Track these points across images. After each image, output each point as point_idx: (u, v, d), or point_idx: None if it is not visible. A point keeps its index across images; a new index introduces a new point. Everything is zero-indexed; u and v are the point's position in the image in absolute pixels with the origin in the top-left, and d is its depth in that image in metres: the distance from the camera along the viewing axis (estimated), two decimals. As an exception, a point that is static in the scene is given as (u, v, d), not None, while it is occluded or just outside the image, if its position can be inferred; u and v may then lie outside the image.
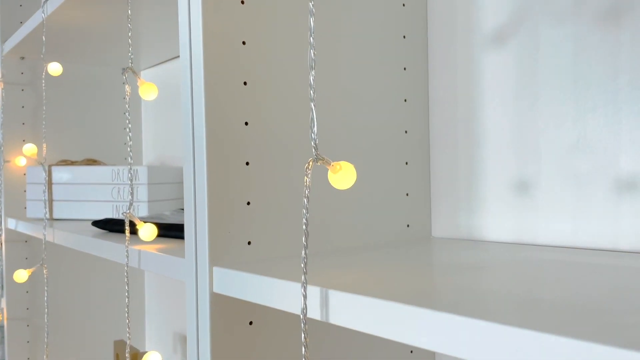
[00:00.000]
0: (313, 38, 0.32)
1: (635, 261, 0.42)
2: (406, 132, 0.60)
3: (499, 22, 0.57)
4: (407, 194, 0.60)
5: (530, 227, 0.54)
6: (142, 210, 0.90)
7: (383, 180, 0.57)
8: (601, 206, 0.49)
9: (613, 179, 0.49)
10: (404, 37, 0.60)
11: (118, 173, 0.93)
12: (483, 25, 0.58)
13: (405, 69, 0.60)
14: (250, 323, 0.46)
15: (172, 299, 1.18)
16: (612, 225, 0.49)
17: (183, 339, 1.15)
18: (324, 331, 0.52)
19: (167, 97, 1.20)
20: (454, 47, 0.61)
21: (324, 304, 0.34)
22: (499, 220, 0.57)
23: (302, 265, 0.32)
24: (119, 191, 0.92)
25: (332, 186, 0.53)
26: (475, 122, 0.59)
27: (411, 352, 0.59)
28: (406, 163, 0.60)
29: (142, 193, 0.90)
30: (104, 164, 1.01)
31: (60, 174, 0.95)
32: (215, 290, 0.44)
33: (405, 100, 0.60)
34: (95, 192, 0.94)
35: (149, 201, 0.90)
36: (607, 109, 0.49)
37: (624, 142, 0.48)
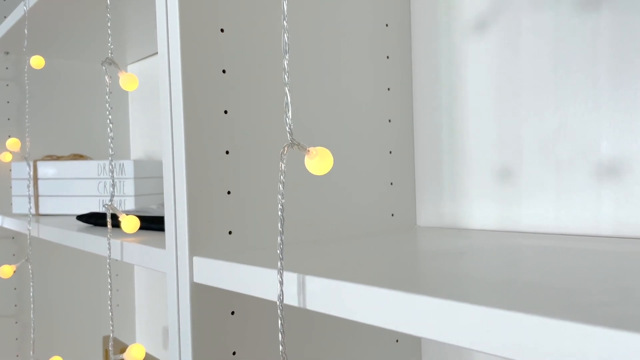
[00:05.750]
0: (286, 22, 0.32)
1: (616, 245, 0.42)
2: (390, 121, 0.60)
3: (481, 10, 0.57)
4: (391, 183, 0.60)
5: (513, 214, 0.54)
6: (129, 204, 0.89)
7: (367, 170, 0.57)
8: (583, 192, 0.49)
9: (594, 165, 0.48)
10: (387, 25, 0.60)
11: (104, 167, 0.92)
12: (465, 14, 0.58)
13: (388, 57, 0.60)
14: (232, 313, 0.46)
15: (162, 294, 1.17)
16: (593, 210, 0.49)
17: (173, 334, 1.14)
18: (308, 322, 0.51)
19: (154, 91, 1.19)
20: (436, 35, 0.61)
21: (301, 290, 0.33)
22: (483, 208, 0.57)
23: (279, 251, 0.32)
24: (105, 185, 0.92)
25: (315, 175, 0.52)
26: (458, 111, 0.59)
27: (397, 341, 0.59)
28: (390, 152, 0.60)
29: (128, 187, 0.89)
30: (91, 159, 1.01)
31: (46, 169, 0.95)
32: (196, 280, 0.44)
33: (388, 89, 0.60)
34: (82, 186, 0.93)
35: (135, 195, 0.89)
36: (588, 95, 0.49)
37: (604, 128, 0.48)
